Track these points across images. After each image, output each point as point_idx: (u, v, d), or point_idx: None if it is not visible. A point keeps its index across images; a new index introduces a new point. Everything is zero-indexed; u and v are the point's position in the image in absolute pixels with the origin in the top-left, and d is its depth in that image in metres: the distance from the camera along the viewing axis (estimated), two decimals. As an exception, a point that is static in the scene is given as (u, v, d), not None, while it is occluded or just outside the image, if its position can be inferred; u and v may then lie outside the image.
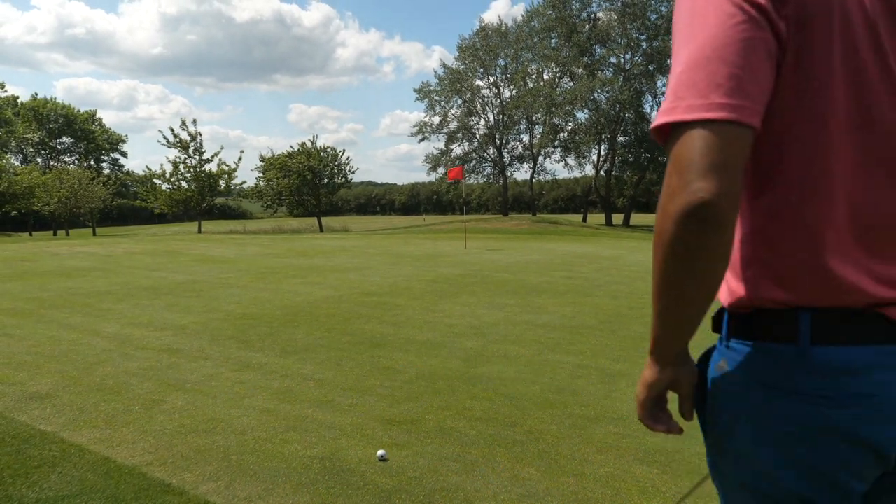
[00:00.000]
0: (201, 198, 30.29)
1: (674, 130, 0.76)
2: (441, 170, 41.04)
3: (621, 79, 36.83)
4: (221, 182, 30.71)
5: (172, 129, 29.35)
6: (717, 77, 0.73)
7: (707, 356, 0.98)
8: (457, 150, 41.30)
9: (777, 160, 0.81)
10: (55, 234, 34.16)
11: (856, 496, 0.83)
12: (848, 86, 0.77)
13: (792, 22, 0.76)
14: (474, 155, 42.39)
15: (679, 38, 0.79)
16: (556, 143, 39.50)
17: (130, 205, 54.17)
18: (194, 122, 31.17)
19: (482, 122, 41.94)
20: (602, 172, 41.03)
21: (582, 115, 38.71)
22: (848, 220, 0.80)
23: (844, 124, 0.78)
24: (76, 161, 63.73)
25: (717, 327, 0.94)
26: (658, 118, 0.79)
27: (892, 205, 0.81)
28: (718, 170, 0.71)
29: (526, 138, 42.18)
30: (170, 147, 29.48)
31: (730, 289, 0.88)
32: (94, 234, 31.95)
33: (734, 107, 0.72)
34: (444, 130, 40.87)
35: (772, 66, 0.76)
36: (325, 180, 32.95)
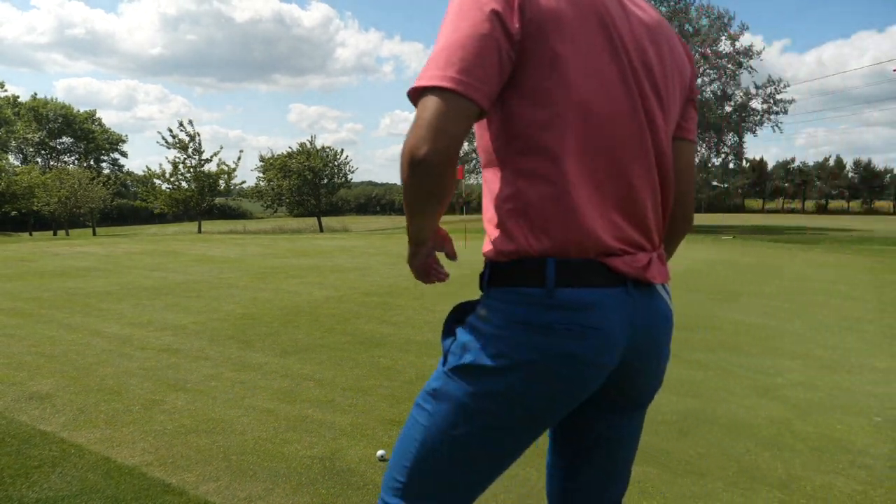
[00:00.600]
0: (201, 198, 30.29)
1: (419, 94, 0.95)
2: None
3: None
4: (221, 182, 30.72)
5: (171, 130, 29.37)
6: (454, 58, 0.93)
7: (464, 310, 1.12)
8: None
9: (533, 135, 0.99)
10: (55, 234, 34.14)
11: (575, 405, 1.06)
12: (575, 81, 0.97)
13: (529, 28, 0.95)
14: (474, 155, 42.35)
15: (442, 30, 0.98)
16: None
17: (130, 205, 54.17)
18: (190, 122, 31.18)
19: (482, 122, 41.89)
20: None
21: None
22: (589, 185, 0.99)
23: (575, 111, 0.98)
24: (76, 161, 63.73)
25: (481, 285, 1.11)
26: (417, 80, 0.97)
27: (623, 175, 1.02)
28: (438, 132, 0.92)
29: (526, 138, 42.14)
30: (169, 148, 29.49)
31: (493, 242, 1.04)
32: (94, 234, 31.94)
33: (459, 81, 0.92)
34: (444, 130, 40.81)
35: (499, 61, 0.95)
36: (325, 180, 32.95)
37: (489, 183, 1.07)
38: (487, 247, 1.06)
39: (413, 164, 0.93)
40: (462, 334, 1.07)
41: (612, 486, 1.22)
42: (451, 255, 1.22)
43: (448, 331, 1.13)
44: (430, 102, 0.92)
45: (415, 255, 1.18)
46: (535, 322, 0.98)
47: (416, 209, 1.03)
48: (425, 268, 1.22)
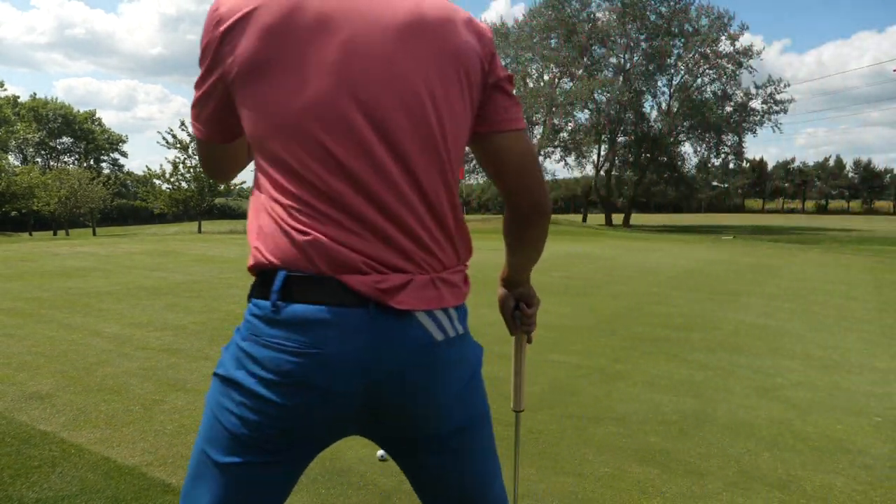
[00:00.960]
0: (201, 198, 30.27)
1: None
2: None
3: (621, 79, 36.81)
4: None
5: (171, 130, 29.40)
6: (194, 112, 1.06)
7: None
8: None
9: (258, 162, 1.00)
10: (55, 234, 34.15)
11: (315, 436, 0.98)
12: (268, 109, 0.95)
13: (233, 72, 0.96)
14: (474, 155, 42.31)
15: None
16: (557, 143, 39.49)
17: (130, 205, 54.14)
18: (193, 122, 31.12)
19: (482, 122, 41.85)
20: (602, 172, 41.01)
21: (582, 116, 38.71)
22: (307, 202, 0.94)
23: (271, 134, 0.95)
24: (76, 161, 63.73)
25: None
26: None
27: (339, 191, 0.94)
28: (201, 160, 1.18)
29: (526, 138, 42.12)
30: (169, 148, 29.49)
31: (251, 256, 1.02)
32: (94, 234, 31.95)
33: (196, 128, 1.08)
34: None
35: (216, 101, 1.02)
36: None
37: None
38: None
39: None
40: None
41: None
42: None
43: None
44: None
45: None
46: (262, 336, 0.94)
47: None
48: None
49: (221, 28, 0.97)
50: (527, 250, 1.24)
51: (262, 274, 0.98)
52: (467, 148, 1.14)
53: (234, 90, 0.98)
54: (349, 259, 0.93)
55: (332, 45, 0.94)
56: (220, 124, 1.06)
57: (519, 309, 1.33)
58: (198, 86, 1.03)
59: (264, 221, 0.99)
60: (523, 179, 1.12)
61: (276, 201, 0.96)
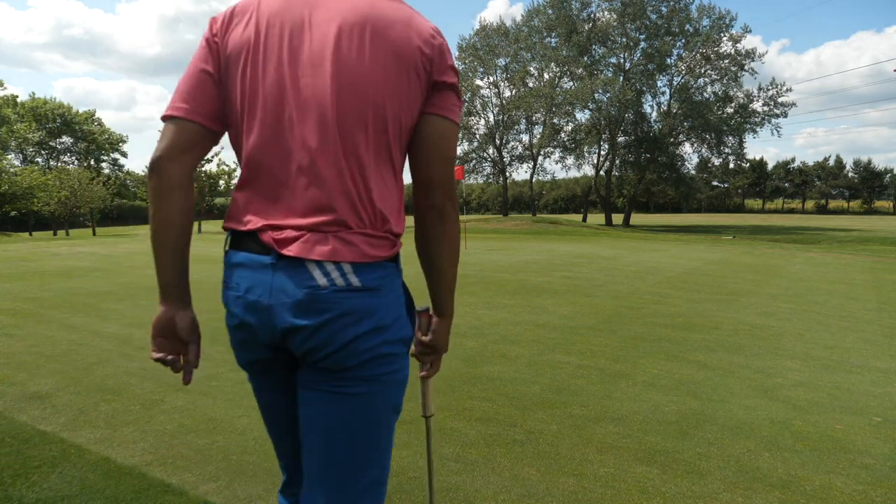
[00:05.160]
0: (201, 198, 30.27)
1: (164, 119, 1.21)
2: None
3: (621, 79, 36.81)
4: (221, 182, 30.70)
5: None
6: (178, 90, 1.21)
7: None
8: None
9: (235, 121, 1.22)
10: (55, 234, 34.14)
11: (251, 352, 1.29)
12: (244, 98, 1.18)
13: (223, 60, 1.20)
14: (474, 155, 42.36)
15: None
16: (556, 143, 39.51)
17: (130, 205, 54.13)
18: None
19: (482, 121, 41.93)
20: (602, 172, 41.02)
21: (582, 116, 38.74)
22: (246, 178, 1.21)
23: (240, 117, 1.20)
24: (76, 161, 63.71)
25: None
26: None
27: (267, 165, 1.18)
28: (163, 146, 1.18)
29: (526, 138, 42.17)
30: (170, 147, 29.45)
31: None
32: (94, 234, 31.94)
33: (178, 108, 1.19)
34: (444, 130, 40.73)
35: (211, 84, 1.20)
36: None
37: None
38: None
39: (150, 170, 1.23)
40: None
41: (310, 485, 1.22)
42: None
43: None
44: (165, 127, 1.24)
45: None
46: (224, 274, 1.27)
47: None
48: (161, 333, 1.35)
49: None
50: (438, 261, 1.29)
51: (227, 232, 1.31)
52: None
53: None
54: (259, 221, 1.20)
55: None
56: None
57: (418, 338, 1.36)
58: None
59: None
60: (446, 168, 1.23)
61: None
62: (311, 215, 1.14)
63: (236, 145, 1.24)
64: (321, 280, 1.12)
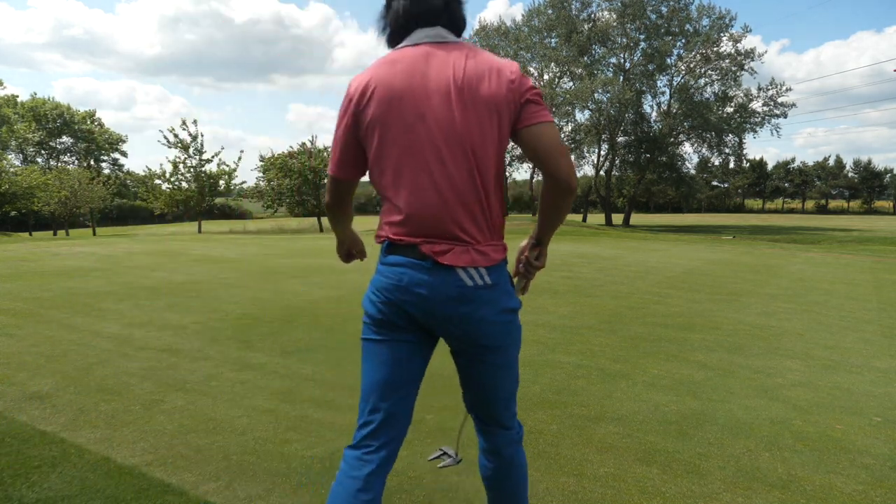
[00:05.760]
0: (201, 198, 30.24)
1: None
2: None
3: (621, 79, 36.79)
4: (221, 182, 30.67)
5: (172, 129, 29.32)
6: (333, 154, 1.70)
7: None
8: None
9: (378, 184, 1.65)
10: (55, 234, 34.13)
11: (401, 328, 1.64)
12: (387, 157, 1.59)
13: (364, 129, 1.61)
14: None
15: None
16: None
17: (130, 205, 54.12)
18: (195, 122, 31.17)
19: (482, 121, 41.77)
20: (602, 172, 41.00)
21: (582, 116, 38.70)
22: (395, 206, 1.61)
23: (380, 173, 1.64)
24: (76, 161, 63.72)
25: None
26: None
27: (402, 202, 1.59)
28: (329, 194, 1.81)
29: (526, 138, 42.04)
30: (170, 147, 29.44)
31: (381, 233, 1.67)
32: (94, 234, 31.93)
33: (332, 169, 1.72)
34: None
35: (355, 147, 1.66)
36: (326, 180, 32.88)
37: None
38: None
39: (327, 207, 1.88)
40: None
41: (479, 407, 1.79)
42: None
43: None
44: (328, 182, 1.82)
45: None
46: (379, 269, 1.66)
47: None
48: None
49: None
50: (551, 217, 1.67)
51: (386, 241, 1.69)
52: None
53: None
54: (405, 236, 1.61)
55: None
56: None
57: (528, 261, 1.80)
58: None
59: (384, 216, 1.72)
60: (552, 158, 1.55)
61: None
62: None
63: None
64: (468, 281, 1.56)
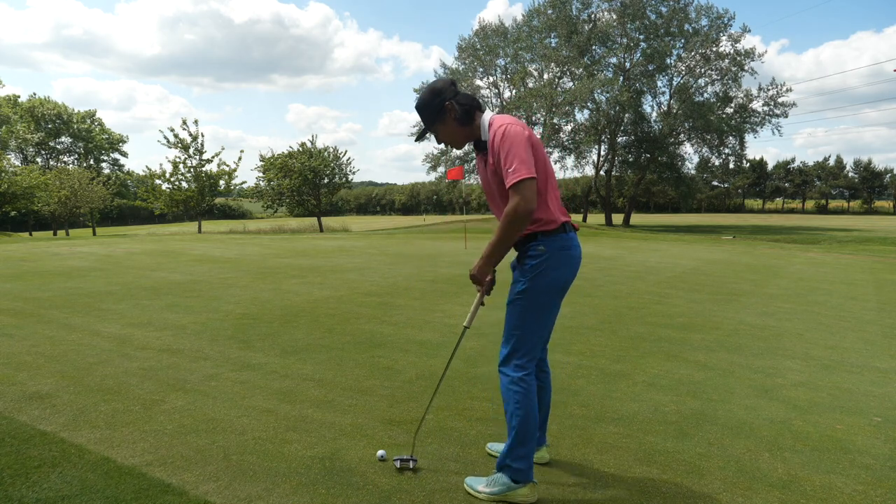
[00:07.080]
0: (201, 198, 30.23)
1: (521, 181, 2.25)
2: (441, 169, 40.98)
3: (621, 79, 36.79)
4: (221, 182, 30.65)
5: (173, 130, 29.30)
6: (528, 164, 2.27)
7: (521, 254, 2.50)
8: (456, 149, 41.19)
9: (541, 182, 2.39)
10: (55, 234, 34.13)
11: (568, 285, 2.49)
12: (541, 167, 2.39)
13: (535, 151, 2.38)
14: (474, 155, 42.22)
15: (512, 153, 2.28)
16: (556, 143, 39.47)
17: (130, 205, 54.18)
18: (195, 122, 31.13)
19: (482, 121, 41.74)
20: (602, 172, 40.99)
21: (582, 116, 38.69)
22: (552, 199, 2.46)
23: (543, 175, 2.40)
24: (76, 161, 63.72)
25: (523, 245, 2.47)
26: (514, 176, 2.26)
27: (555, 197, 2.49)
28: (534, 195, 2.28)
29: (526, 138, 42.00)
30: (170, 147, 29.44)
31: (543, 222, 2.41)
32: (94, 234, 31.93)
33: (530, 172, 2.27)
34: (444, 130, 40.68)
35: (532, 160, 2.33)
36: (326, 180, 32.88)
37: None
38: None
39: (527, 213, 2.26)
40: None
41: (545, 348, 2.71)
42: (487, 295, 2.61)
43: None
44: (529, 183, 2.25)
45: (488, 272, 2.51)
46: (557, 245, 2.43)
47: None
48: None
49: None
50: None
51: (561, 225, 2.45)
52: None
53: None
54: (564, 218, 2.50)
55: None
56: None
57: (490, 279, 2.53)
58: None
59: (547, 207, 2.45)
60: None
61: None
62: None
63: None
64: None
